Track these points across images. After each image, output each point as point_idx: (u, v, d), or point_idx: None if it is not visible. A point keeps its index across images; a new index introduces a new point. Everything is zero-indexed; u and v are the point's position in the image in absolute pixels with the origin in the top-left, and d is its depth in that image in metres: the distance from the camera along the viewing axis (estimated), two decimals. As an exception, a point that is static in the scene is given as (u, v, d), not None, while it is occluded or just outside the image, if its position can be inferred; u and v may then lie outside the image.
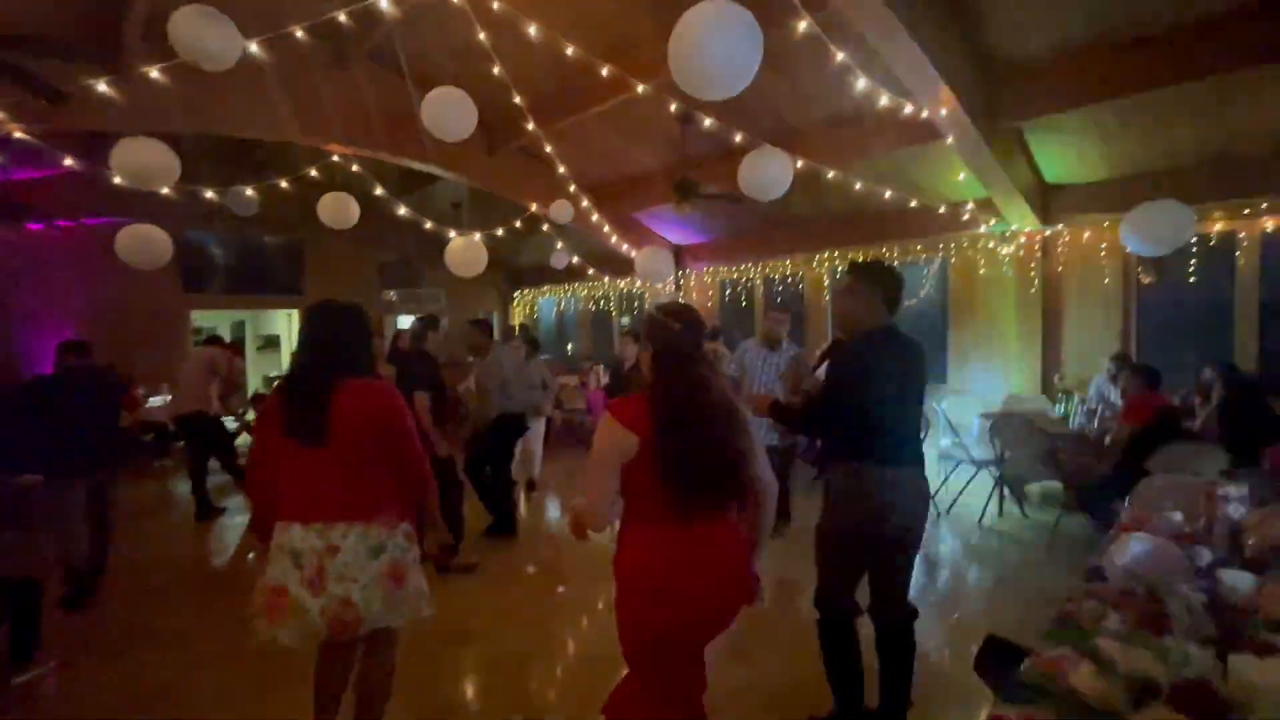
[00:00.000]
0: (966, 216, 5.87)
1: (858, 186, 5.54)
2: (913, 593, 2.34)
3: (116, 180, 4.17)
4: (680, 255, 9.59)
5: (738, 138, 5.04)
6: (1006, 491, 4.89)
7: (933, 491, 4.93)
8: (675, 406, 1.62)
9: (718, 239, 9.12)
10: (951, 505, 5.09)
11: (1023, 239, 6.25)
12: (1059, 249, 6.19)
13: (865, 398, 2.06)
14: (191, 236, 9.24)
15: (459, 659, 3.01)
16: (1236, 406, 4.19)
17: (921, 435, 2.45)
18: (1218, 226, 5.36)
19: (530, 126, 5.57)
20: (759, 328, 5.29)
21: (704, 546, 1.63)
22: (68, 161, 4.74)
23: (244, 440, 7.23)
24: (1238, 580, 1.77)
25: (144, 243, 5.17)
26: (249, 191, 6.22)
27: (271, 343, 11.85)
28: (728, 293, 9.40)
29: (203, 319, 10.15)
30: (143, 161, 4.17)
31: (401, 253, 11.18)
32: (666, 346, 1.71)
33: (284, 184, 6.09)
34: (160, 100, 4.34)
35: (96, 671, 2.91)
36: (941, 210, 5.85)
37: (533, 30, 4.39)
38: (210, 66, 2.69)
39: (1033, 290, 6.26)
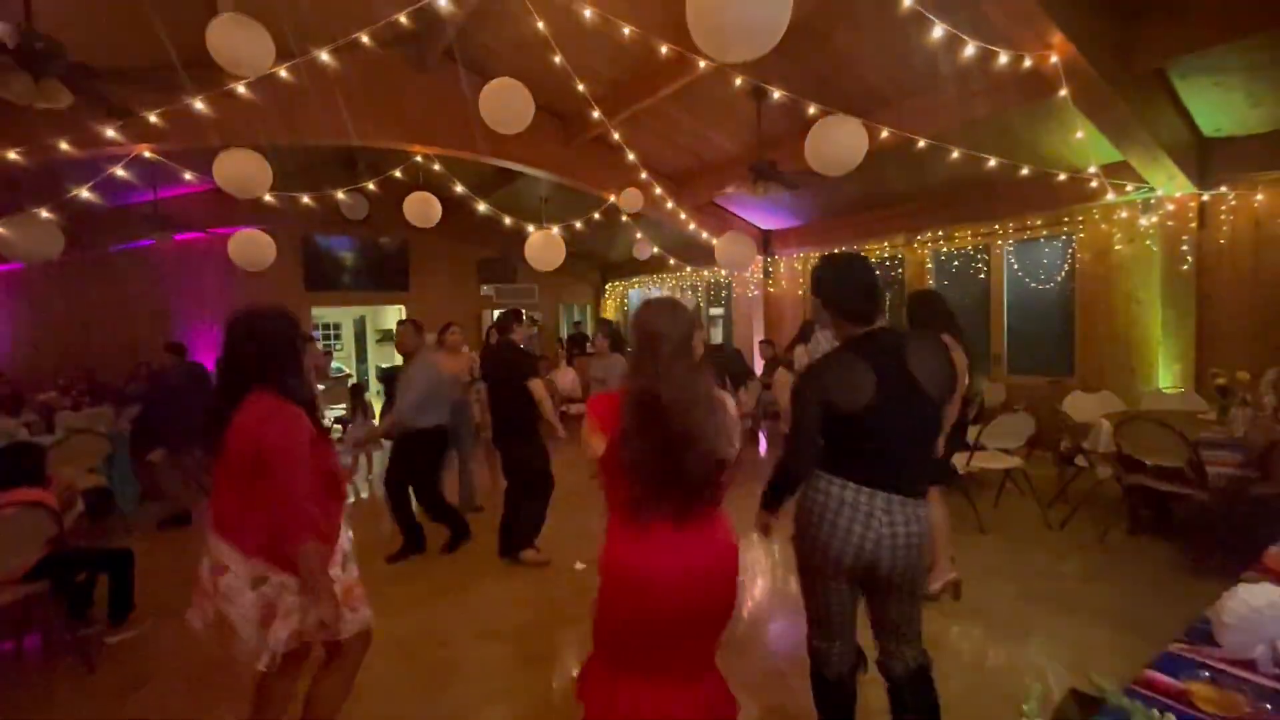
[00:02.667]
0: (1095, 184, 5.01)
1: (954, 155, 4.89)
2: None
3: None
4: (769, 240, 9.13)
5: (811, 110, 4.62)
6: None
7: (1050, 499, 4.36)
8: (639, 408, 1.58)
9: (810, 222, 8.56)
10: (1066, 520, 4.38)
11: (1170, 206, 5.24)
12: (1220, 217, 5.12)
13: (806, 408, 1.75)
14: (313, 239, 10.15)
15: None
16: None
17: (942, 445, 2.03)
18: None
19: (596, 115, 5.46)
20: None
21: (673, 546, 1.63)
22: (187, 176, 5.29)
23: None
24: None
25: (251, 246, 5.69)
26: (340, 194, 6.62)
27: (388, 336, 12.80)
28: (819, 280, 8.82)
29: (324, 315, 11.13)
30: (240, 171, 4.55)
31: (498, 249, 11.60)
32: (640, 344, 1.65)
33: (370, 186, 6.44)
34: (252, 114, 4.70)
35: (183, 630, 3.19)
36: (1062, 178, 5.02)
37: (587, 14, 4.28)
38: (245, 73, 2.81)
39: (1185, 267, 5.24)
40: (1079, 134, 4.24)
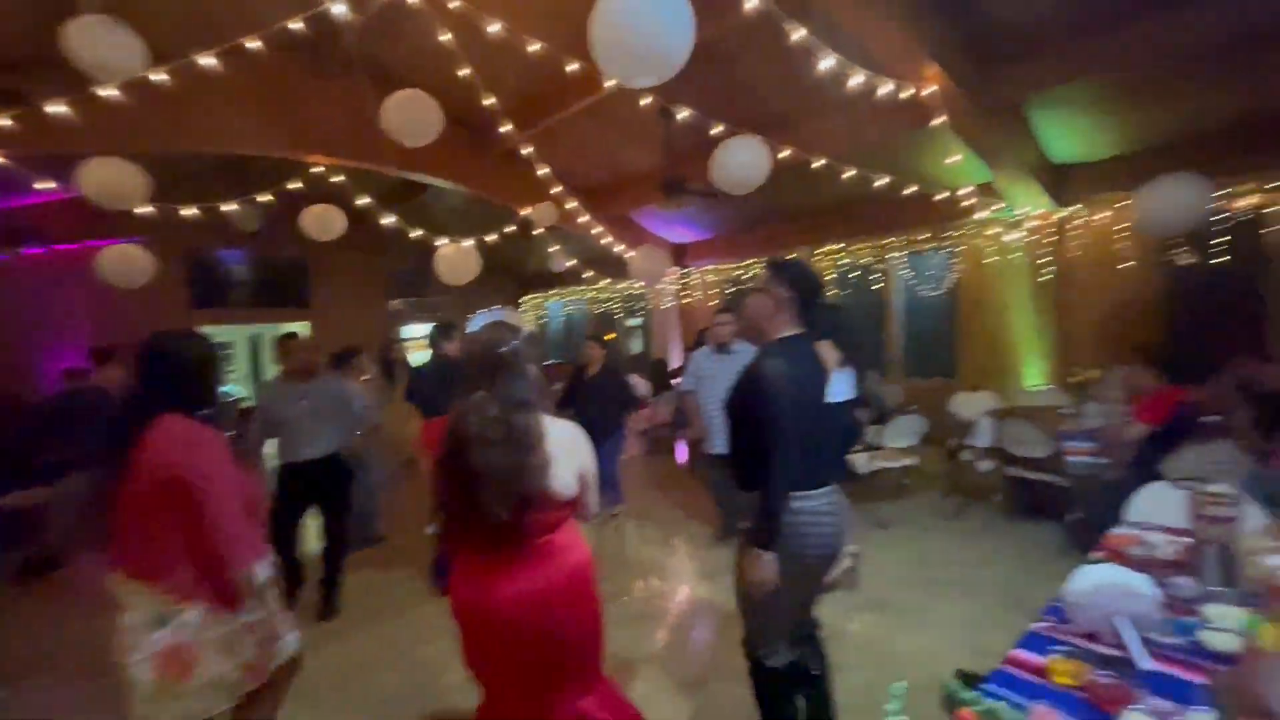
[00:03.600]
0: (968, 202, 5.52)
1: (845, 176, 5.24)
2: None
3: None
4: (682, 254, 9.36)
5: (717, 129, 4.81)
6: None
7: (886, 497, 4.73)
8: (446, 442, 1.57)
9: (719, 236, 8.86)
10: (958, 512, 4.77)
11: (1033, 223, 5.85)
12: (1074, 232, 5.78)
13: (787, 417, 1.80)
14: (200, 254, 9.38)
15: (405, 688, 2.86)
16: (1275, 403, 3.80)
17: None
18: (1244, 201, 4.91)
19: (505, 128, 5.43)
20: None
21: (504, 575, 1.58)
22: (37, 185, 4.77)
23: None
24: (1226, 618, 1.51)
25: (125, 262, 5.22)
26: (224, 207, 6.20)
27: (286, 355, 12.00)
28: (729, 291, 9.12)
29: (214, 335, 10.30)
30: (110, 181, 4.17)
31: (408, 261, 11.18)
32: (466, 370, 1.63)
33: (263, 197, 6.06)
34: (123, 118, 4.31)
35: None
36: (940, 197, 5.50)
37: (492, 28, 4.26)
38: (110, 78, 2.59)
39: (1046, 278, 5.86)
40: (957, 157, 4.65)
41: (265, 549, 1.86)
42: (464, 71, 4.81)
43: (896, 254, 7.17)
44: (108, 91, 3.84)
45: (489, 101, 5.10)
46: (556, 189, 6.40)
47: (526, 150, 5.76)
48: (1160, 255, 5.43)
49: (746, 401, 1.90)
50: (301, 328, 10.73)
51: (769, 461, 1.77)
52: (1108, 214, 5.52)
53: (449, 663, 3.00)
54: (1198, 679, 1.32)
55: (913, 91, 4.06)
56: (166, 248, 8.72)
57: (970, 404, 5.61)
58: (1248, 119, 4.59)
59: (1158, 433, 3.43)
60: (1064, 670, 1.37)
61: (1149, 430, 3.44)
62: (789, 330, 1.98)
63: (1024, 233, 5.94)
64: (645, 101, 4.81)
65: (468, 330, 1.81)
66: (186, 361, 1.77)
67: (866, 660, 2.92)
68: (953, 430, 5.55)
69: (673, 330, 9.64)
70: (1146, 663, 1.38)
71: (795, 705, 2.06)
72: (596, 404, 4.78)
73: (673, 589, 3.89)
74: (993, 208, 5.75)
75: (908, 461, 4.87)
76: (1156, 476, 3.16)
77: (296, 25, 4.07)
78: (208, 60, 3.99)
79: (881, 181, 5.25)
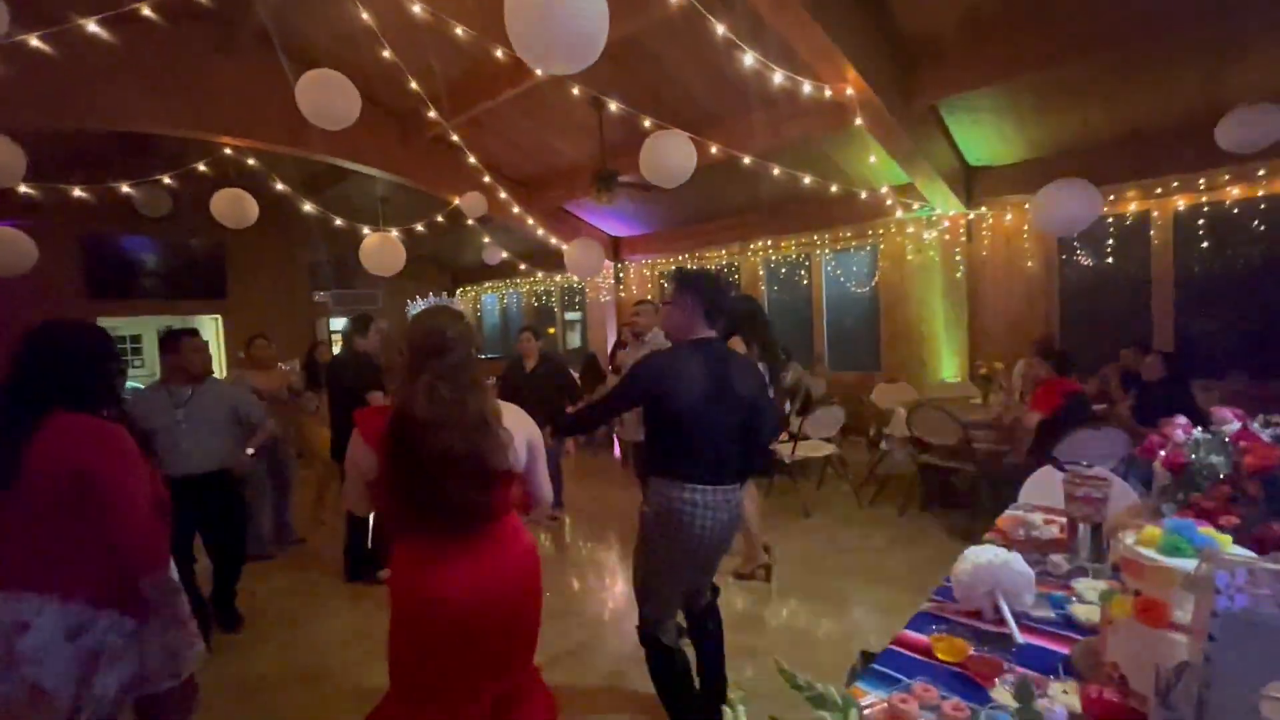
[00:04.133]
0: (889, 201, 5.75)
1: (775, 172, 5.36)
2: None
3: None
4: (618, 247, 9.36)
5: (647, 123, 4.82)
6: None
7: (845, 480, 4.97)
8: (396, 426, 1.50)
9: (655, 230, 8.91)
10: (873, 499, 4.98)
11: (946, 223, 6.17)
12: (983, 233, 6.12)
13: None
14: (97, 239, 8.66)
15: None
16: (1152, 392, 4.16)
17: (759, 443, 2.29)
18: (1133, 206, 5.34)
19: (431, 114, 5.26)
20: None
21: (457, 564, 1.54)
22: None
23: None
24: (1091, 592, 1.63)
25: (4, 246, 4.75)
26: (125, 188, 5.76)
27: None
28: (665, 284, 9.19)
29: (119, 327, 9.56)
30: (-21, 157, 3.78)
31: (333, 252, 10.71)
32: (406, 357, 1.57)
33: (167, 180, 5.66)
34: (6, 91, 3.94)
35: None
36: (863, 196, 5.71)
37: (416, 9, 4.12)
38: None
39: (958, 275, 6.20)
40: (872, 159, 4.83)
41: (169, 553, 1.73)
42: (386, 54, 4.62)
43: (822, 251, 7.40)
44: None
45: (413, 86, 4.93)
46: (486, 179, 6.25)
47: (455, 138, 5.59)
48: (1060, 255, 5.84)
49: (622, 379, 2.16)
50: (215, 321, 10.15)
51: (595, 408, 2.40)
52: (1013, 216, 5.88)
53: (360, 671, 2.90)
54: (1065, 650, 1.42)
55: (831, 94, 4.17)
56: (59, 232, 8.08)
57: (888, 395, 5.86)
58: (1139, 130, 4.98)
59: (1051, 420, 3.68)
60: (945, 647, 1.44)
61: (1042, 418, 3.69)
62: (700, 334, 2.12)
63: (939, 232, 6.25)
64: (575, 91, 4.76)
65: (409, 315, 1.74)
66: (75, 354, 1.62)
67: (783, 644, 3.01)
68: (873, 421, 5.80)
69: (609, 323, 9.63)
70: (1019, 637, 1.48)
71: (689, 680, 2.19)
72: (536, 396, 4.72)
73: (600, 584, 3.89)
74: (915, 207, 6.01)
75: (829, 451, 5.05)
76: (1051, 462, 3.41)
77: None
78: (95, 28, 3.69)
79: (806, 180, 5.40)
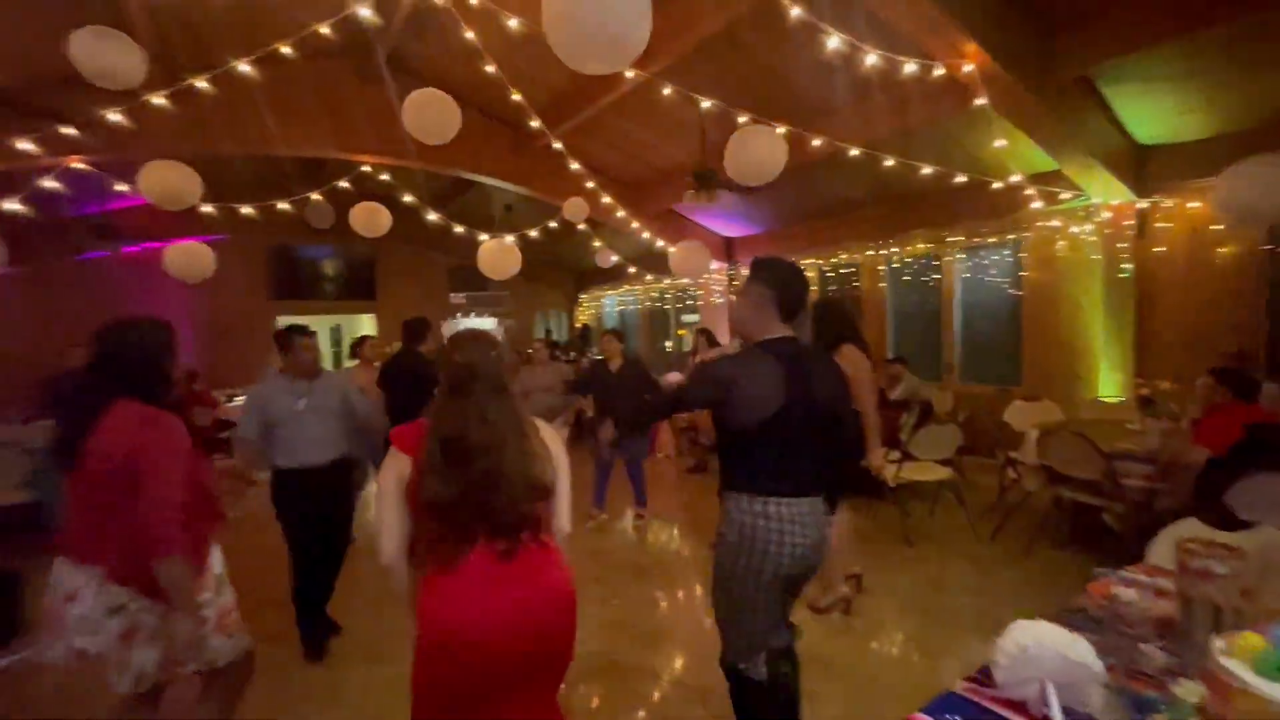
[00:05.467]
0: (1028, 191, 4.99)
1: (889, 163, 4.86)
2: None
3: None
4: (731, 248, 9.10)
5: (743, 119, 4.59)
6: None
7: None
8: (443, 448, 1.53)
9: (770, 229, 8.54)
10: (995, 533, 4.34)
11: (1108, 214, 5.21)
12: (1157, 224, 5.09)
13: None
14: (279, 249, 10.09)
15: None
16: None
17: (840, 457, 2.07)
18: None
19: (534, 123, 5.43)
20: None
21: (493, 588, 1.51)
22: (119, 187, 5.25)
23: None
24: (1195, 697, 1.23)
25: (188, 258, 5.65)
26: (282, 205, 6.58)
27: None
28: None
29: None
30: (166, 183, 4.49)
31: (467, 258, 11.54)
32: (449, 380, 1.62)
33: (315, 196, 6.41)
34: (174, 124, 4.66)
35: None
36: (997, 186, 5.00)
37: (513, 24, 4.26)
38: (112, 84, 2.77)
39: (1124, 275, 5.21)
40: (1002, 141, 4.20)
41: (207, 547, 1.86)
42: (490, 68, 4.84)
43: (955, 250, 6.62)
44: (159, 100, 4.18)
45: (516, 97, 5.12)
46: (589, 184, 6.36)
47: (557, 145, 5.74)
48: (1261, 249, 4.69)
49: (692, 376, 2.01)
50: (369, 319, 11.38)
51: (663, 402, 2.17)
52: (1198, 203, 4.82)
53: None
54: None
55: (945, 71, 3.68)
56: (249, 244, 9.53)
57: (1025, 414, 5.08)
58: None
59: (1224, 458, 2.95)
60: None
61: (1211, 455, 2.96)
62: (774, 333, 1.89)
63: (1098, 225, 5.31)
64: (666, 91, 4.66)
65: (445, 335, 1.82)
66: (136, 348, 1.77)
67: (843, 691, 2.69)
68: (1006, 442, 5.06)
69: (722, 326, 9.39)
70: (1072, 747, 1.15)
71: (788, 715, 1.98)
72: (620, 398, 4.74)
73: (674, 596, 3.76)
74: (1064, 197, 5.17)
75: (943, 475, 4.48)
76: (1221, 511, 2.73)
77: (325, 31, 4.18)
78: (245, 68, 4.23)
79: (925, 171, 4.84)
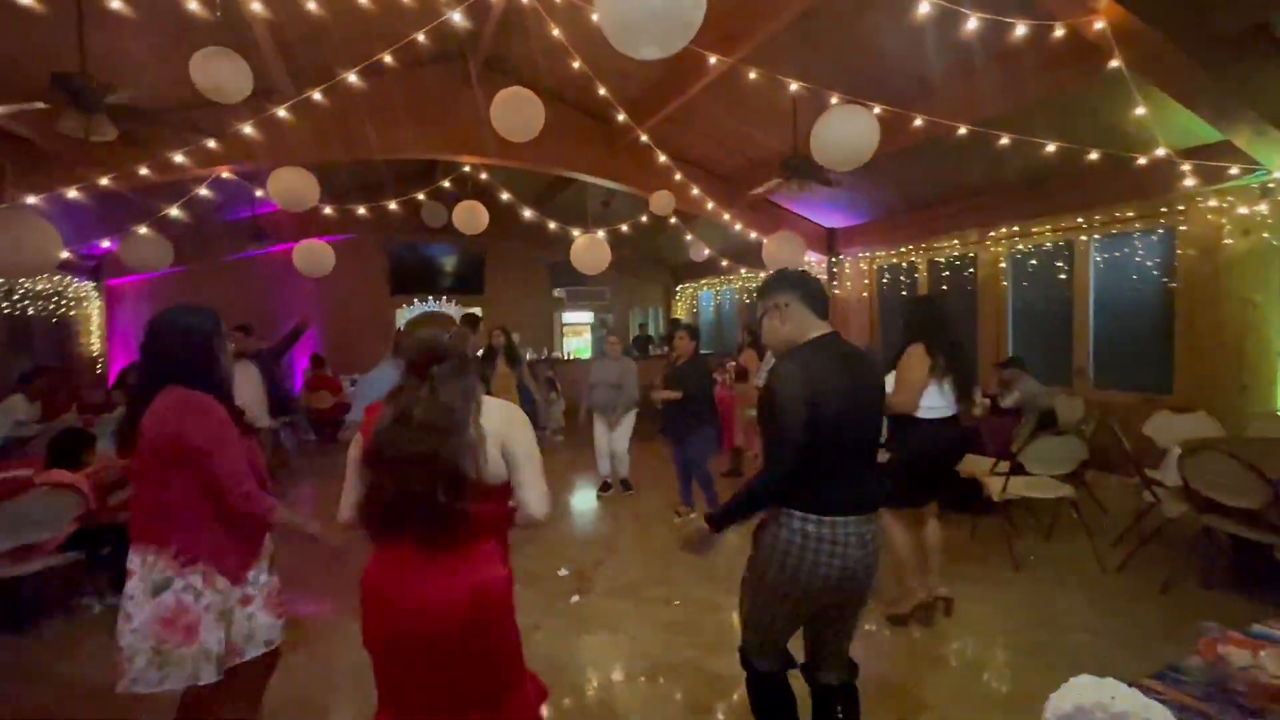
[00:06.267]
0: (1184, 167, 4.26)
1: (1004, 141, 4.35)
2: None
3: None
4: (833, 240, 8.62)
5: (834, 100, 4.30)
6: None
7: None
8: (388, 427, 1.50)
9: (875, 219, 7.98)
10: (1124, 563, 3.76)
11: (1292, 191, 4.33)
12: (1363, 202, 4.16)
13: (806, 424, 1.64)
14: (398, 247, 10.91)
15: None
16: None
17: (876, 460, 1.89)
18: None
19: (621, 117, 5.43)
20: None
21: (423, 572, 1.48)
22: (259, 193, 5.89)
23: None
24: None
25: (311, 255, 6.23)
26: (393, 205, 7.06)
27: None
28: (885, 280, 8.20)
29: (407, 317, 11.95)
30: (289, 187, 4.99)
31: (568, 253, 11.85)
32: (406, 364, 1.58)
33: (421, 196, 6.83)
34: (295, 135, 5.11)
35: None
36: (1142, 162, 4.30)
37: (597, 18, 4.26)
38: (223, 99, 3.06)
39: (1312, 265, 4.31)
40: (1139, 110, 3.60)
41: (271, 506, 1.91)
42: (576, 64, 4.88)
43: (1090, 237, 5.82)
44: (282, 113, 4.61)
45: (602, 91, 5.13)
46: (678, 176, 6.26)
47: (644, 139, 5.70)
48: None
49: (762, 412, 1.78)
50: (478, 312, 11.99)
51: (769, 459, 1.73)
52: None
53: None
54: None
55: (1068, 32, 3.21)
56: (371, 242, 10.39)
57: (1173, 428, 4.37)
58: None
59: None
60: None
61: None
62: (818, 330, 1.79)
63: (1274, 204, 4.43)
64: (752, 75, 4.46)
65: (402, 322, 1.83)
66: (179, 336, 1.83)
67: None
68: (1145, 459, 4.38)
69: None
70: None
71: (787, 713, 1.90)
72: (683, 389, 4.71)
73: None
74: (1234, 171, 4.37)
75: (1062, 492, 3.95)
76: None
77: (422, 39, 4.39)
78: (353, 78, 4.56)
79: (1049, 148, 4.28)
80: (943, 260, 7.34)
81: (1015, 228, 6.32)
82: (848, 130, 3.63)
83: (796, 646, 1.92)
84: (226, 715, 1.90)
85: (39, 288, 7.37)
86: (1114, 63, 3.33)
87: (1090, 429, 4.79)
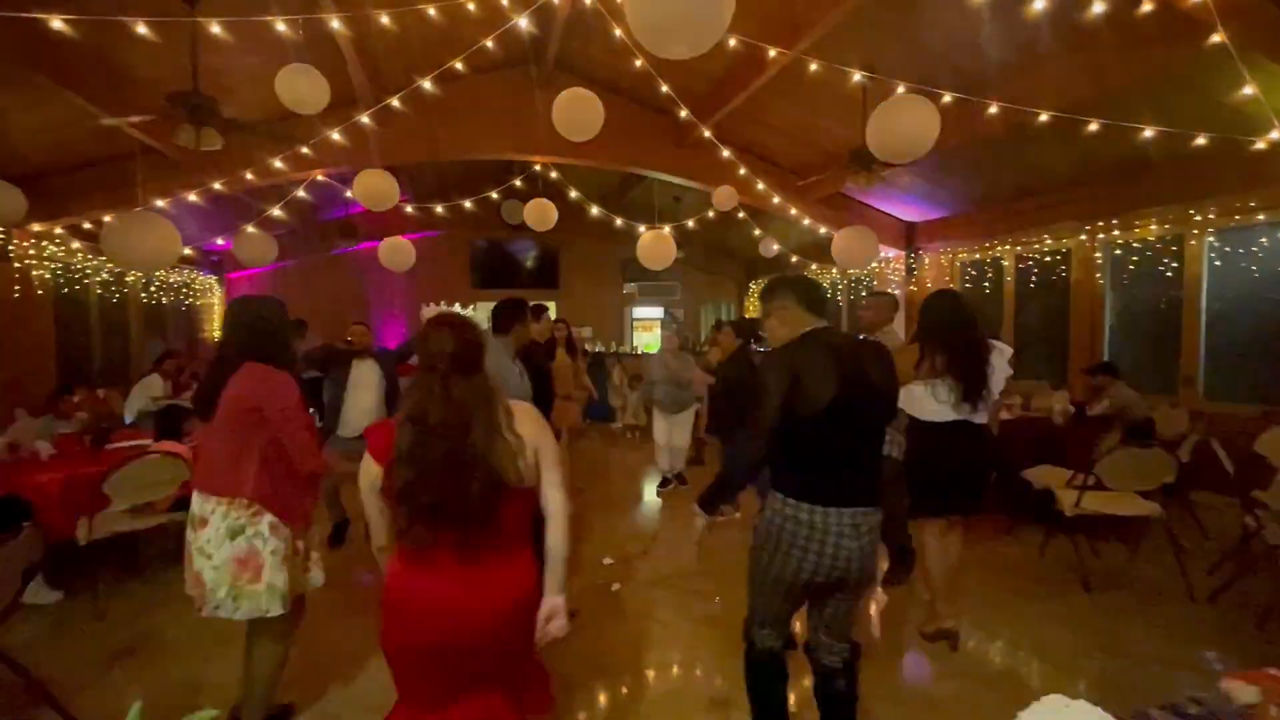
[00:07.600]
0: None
1: (1093, 127, 4.00)
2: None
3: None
4: (912, 234, 8.22)
5: (900, 89, 4.12)
6: None
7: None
8: (407, 431, 1.50)
9: (958, 212, 7.54)
10: (1218, 593, 3.40)
11: None
12: None
13: (780, 409, 1.74)
14: (479, 243, 11.44)
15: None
16: None
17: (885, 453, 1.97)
18: None
19: (684, 113, 5.44)
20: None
21: (456, 578, 1.52)
22: (349, 194, 6.38)
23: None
24: None
25: (394, 251, 6.66)
26: (467, 204, 7.40)
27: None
28: (968, 277, 7.72)
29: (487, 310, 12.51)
30: (372, 188, 5.37)
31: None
32: (421, 363, 1.57)
33: (494, 194, 7.13)
34: (381, 139, 5.50)
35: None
36: (1260, 146, 3.84)
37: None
38: (303, 110, 3.35)
39: None
40: (1248, 89, 3.21)
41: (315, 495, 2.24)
42: (639, 62, 4.94)
43: (1202, 231, 5.23)
44: (364, 119, 4.98)
45: (664, 89, 5.17)
46: (742, 170, 6.20)
47: (707, 134, 5.68)
48: None
49: (747, 400, 1.98)
50: (552, 306, 12.37)
51: (743, 450, 1.88)
52: None
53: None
54: None
55: (1158, 6, 2.92)
56: (456, 238, 10.95)
57: (1288, 445, 3.88)
58: None
59: None
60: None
61: None
62: (806, 329, 1.88)
63: None
64: (813, 68, 4.35)
65: (424, 319, 1.93)
66: (263, 321, 2.13)
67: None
68: (1252, 479, 3.93)
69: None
70: None
71: (778, 695, 2.01)
72: (716, 396, 4.70)
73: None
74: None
75: (1146, 511, 3.61)
76: None
77: (490, 45, 4.59)
78: (428, 85, 4.84)
79: (1147, 133, 3.90)
80: (1032, 256, 6.83)
81: (1114, 220, 5.78)
82: (905, 122, 3.47)
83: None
84: (264, 656, 2.16)
85: (171, 280, 8.34)
86: (1215, 37, 3.01)
87: (1191, 443, 4.34)
